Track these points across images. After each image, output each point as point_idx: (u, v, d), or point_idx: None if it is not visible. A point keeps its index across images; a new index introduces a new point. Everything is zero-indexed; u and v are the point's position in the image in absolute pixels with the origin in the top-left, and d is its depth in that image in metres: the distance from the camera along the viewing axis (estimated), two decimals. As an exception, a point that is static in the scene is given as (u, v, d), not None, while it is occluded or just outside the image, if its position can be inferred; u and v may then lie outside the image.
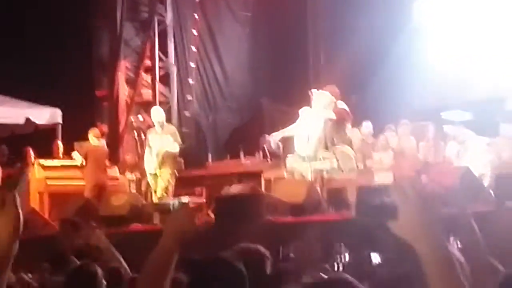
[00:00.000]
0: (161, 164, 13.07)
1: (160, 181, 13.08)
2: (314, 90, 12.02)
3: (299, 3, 17.84)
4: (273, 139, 12.25)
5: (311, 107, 11.94)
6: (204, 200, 13.50)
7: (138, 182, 13.98)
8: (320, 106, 11.71)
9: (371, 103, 14.06)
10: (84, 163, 14.04)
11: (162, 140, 13.10)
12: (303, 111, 11.97)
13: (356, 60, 15.92)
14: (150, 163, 13.13)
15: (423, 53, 16.00)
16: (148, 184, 13.40)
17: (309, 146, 11.70)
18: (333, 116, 11.71)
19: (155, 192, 13.06)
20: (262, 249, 4.08)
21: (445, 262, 2.19)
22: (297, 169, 11.78)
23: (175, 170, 13.35)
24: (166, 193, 12.98)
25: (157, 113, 13.66)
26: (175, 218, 2.85)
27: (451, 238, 4.34)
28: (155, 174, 13.11)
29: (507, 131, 12.47)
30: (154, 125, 13.43)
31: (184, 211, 2.94)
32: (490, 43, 15.26)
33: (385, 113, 14.28)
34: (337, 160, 11.80)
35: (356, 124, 13.57)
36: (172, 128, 13.77)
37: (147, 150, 13.26)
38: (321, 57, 17.87)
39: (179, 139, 13.36)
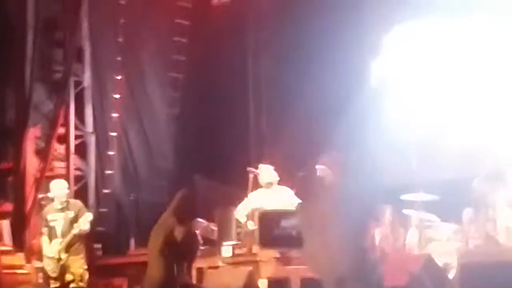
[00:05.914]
0: (68, 247, 11.88)
1: (69, 268, 11.82)
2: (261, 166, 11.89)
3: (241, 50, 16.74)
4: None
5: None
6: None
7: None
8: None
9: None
10: (-26, 250, 14.06)
11: (66, 219, 11.91)
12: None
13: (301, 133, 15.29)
14: (52, 245, 11.92)
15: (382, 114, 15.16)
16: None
17: None
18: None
19: (56, 280, 11.81)
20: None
21: None
22: None
23: (86, 256, 12.19)
24: (81, 282, 11.83)
25: (58, 187, 12.26)
26: None
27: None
28: (59, 259, 11.87)
29: (471, 216, 11.69)
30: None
31: None
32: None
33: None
34: None
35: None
36: (78, 203, 12.47)
37: (45, 230, 12.00)
38: (264, 130, 16.88)
39: (87, 216, 12.15)
